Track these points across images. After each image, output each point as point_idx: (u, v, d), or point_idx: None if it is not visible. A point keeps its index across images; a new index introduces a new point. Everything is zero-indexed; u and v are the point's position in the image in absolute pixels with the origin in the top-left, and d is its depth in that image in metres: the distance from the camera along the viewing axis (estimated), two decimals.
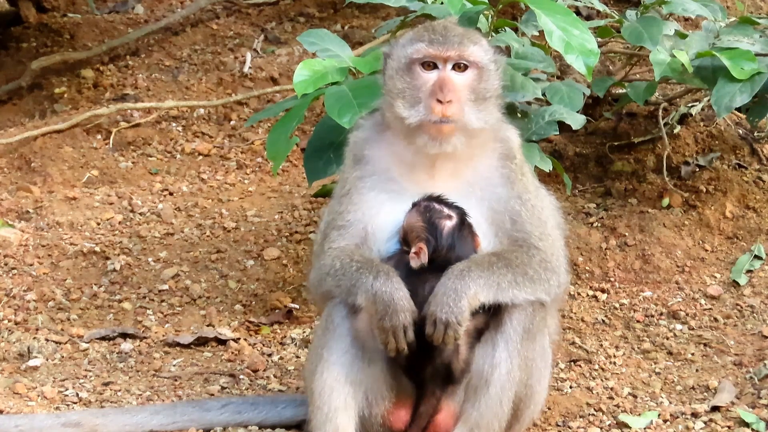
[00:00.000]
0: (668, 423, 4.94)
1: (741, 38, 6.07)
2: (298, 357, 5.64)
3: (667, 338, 5.77)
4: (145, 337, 5.83)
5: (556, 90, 5.80)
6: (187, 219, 6.86)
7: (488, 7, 5.51)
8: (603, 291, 6.13)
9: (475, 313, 4.30)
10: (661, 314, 5.96)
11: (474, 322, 4.32)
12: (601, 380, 5.37)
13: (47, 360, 5.59)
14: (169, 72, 8.41)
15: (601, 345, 5.70)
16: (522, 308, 4.35)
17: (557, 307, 4.79)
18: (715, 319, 5.90)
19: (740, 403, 5.05)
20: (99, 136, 7.76)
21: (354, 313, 4.37)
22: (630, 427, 4.92)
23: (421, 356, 4.32)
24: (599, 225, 6.43)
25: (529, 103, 5.76)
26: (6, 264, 6.37)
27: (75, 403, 5.14)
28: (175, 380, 5.40)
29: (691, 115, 6.89)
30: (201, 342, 5.79)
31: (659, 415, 4.99)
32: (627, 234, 6.35)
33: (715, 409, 5.01)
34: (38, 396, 5.15)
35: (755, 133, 6.89)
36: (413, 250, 4.37)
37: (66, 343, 5.74)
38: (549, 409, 5.00)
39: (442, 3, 5.56)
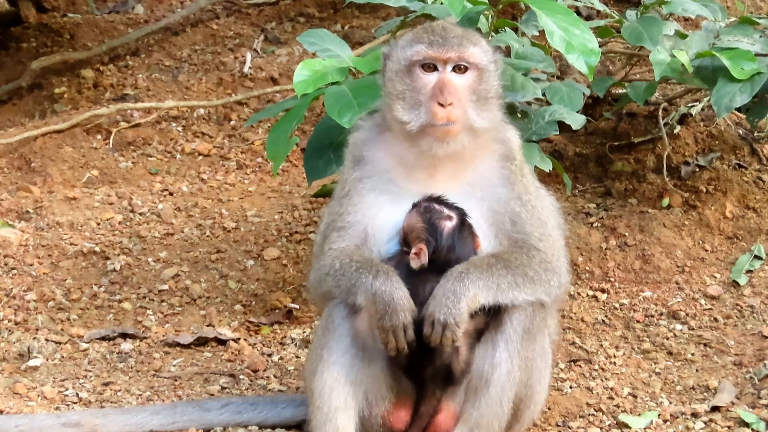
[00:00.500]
0: (668, 423, 4.94)
1: (741, 38, 6.07)
2: (298, 357, 5.64)
3: (667, 338, 5.77)
4: (145, 337, 5.83)
5: (556, 90, 5.80)
6: (187, 219, 6.86)
7: (488, 8, 5.51)
8: (603, 291, 6.13)
9: (475, 313, 4.30)
10: (661, 314, 5.96)
11: (474, 322, 4.32)
12: (601, 380, 5.37)
13: (47, 360, 5.59)
14: (169, 72, 8.41)
15: (601, 345, 5.70)
16: (522, 309, 4.35)
17: (557, 308, 4.79)
18: (715, 319, 5.91)
19: (740, 403, 5.05)
20: (99, 136, 7.76)
21: (354, 313, 4.37)
22: (630, 427, 4.92)
23: (422, 357, 4.32)
24: (599, 225, 6.43)
25: (529, 103, 5.76)
26: (6, 264, 6.37)
27: (75, 403, 5.14)
28: (175, 380, 5.40)
29: (691, 115, 6.89)
30: (201, 342, 5.79)
31: (659, 415, 4.99)
32: (627, 234, 6.35)
33: (715, 409, 5.01)
34: (38, 396, 5.15)
35: (755, 133, 6.89)
36: (413, 250, 4.37)
37: (66, 343, 5.74)
38: (549, 409, 5.00)
39: (442, 3, 5.55)
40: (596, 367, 5.49)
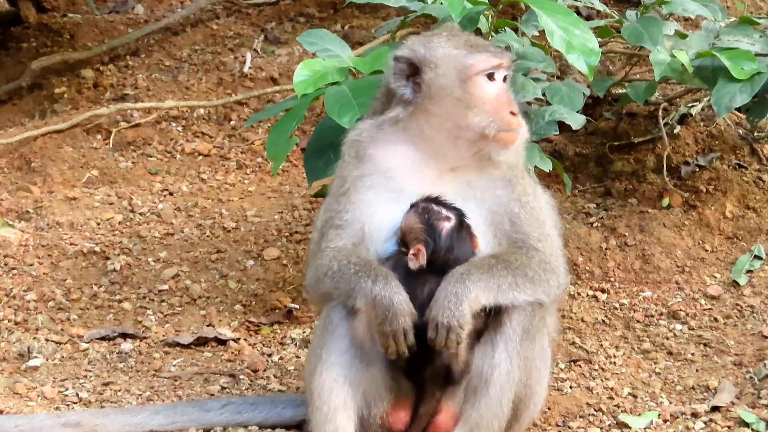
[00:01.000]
0: (668, 423, 4.94)
1: (741, 38, 6.07)
2: (298, 357, 5.64)
3: (667, 338, 5.77)
4: (145, 337, 5.83)
5: (556, 90, 5.80)
6: (187, 219, 6.86)
7: (488, 8, 5.51)
8: (603, 291, 6.13)
9: (475, 314, 4.30)
10: (661, 314, 5.96)
11: (473, 322, 4.32)
12: (601, 380, 5.36)
13: (47, 360, 5.59)
14: (169, 72, 8.41)
15: (601, 345, 5.70)
16: (521, 308, 4.34)
17: (556, 306, 4.78)
18: (715, 319, 5.90)
19: (740, 403, 5.05)
20: (99, 136, 7.76)
21: (353, 313, 4.37)
22: (630, 427, 4.92)
23: (421, 357, 4.32)
24: (599, 225, 6.43)
25: (529, 103, 5.75)
26: (6, 264, 6.37)
27: (75, 403, 5.14)
28: (175, 380, 5.40)
29: (691, 115, 6.89)
30: (201, 342, 5.79)
31: (659, 415, 4.99)
32: (627, 234, 6.35)
33: (715, 409, 5.01)
34: (38, 396, 5.15)
35: (755, 133, 6.88)
36: (411, 251, 4.36)
37: (66, 343, 5.74)
38: (549, 409, 5.00)
39: (441, 3, 5.55)
40: (596, 367, 5.49)
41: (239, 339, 5.82)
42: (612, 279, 6.20)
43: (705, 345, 5.71)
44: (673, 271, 6.23)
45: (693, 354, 5.63)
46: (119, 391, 5.27)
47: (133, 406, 5.11)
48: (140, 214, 6.91)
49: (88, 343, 5.76)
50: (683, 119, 6.90)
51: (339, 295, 4.36)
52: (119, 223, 6.80)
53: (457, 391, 4.40)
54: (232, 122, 7.92)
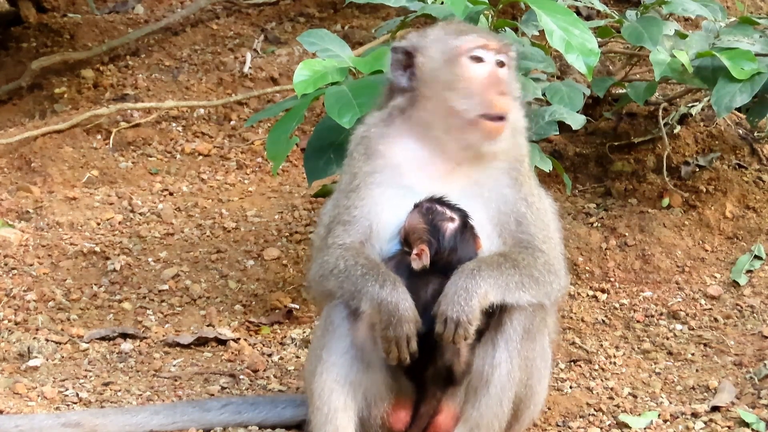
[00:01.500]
0: (668, 423, 4.94)
1: (741, 38, 6.07)
2: (298, 357, 5.64)
3: (667, 338, 5.77)
4: (145, 337, 5.83)
5: (556, 90, 5.80)
6: (187, 219, 6.86)
7: (488, 7, 5.51)
8: (603, 291, 6.13)
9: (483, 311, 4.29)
10: (661, 314, 5.96)
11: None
12: (601, 380, 5.37)
13: (47, 360, 5.59)
14: (169, 72, 8.41)
15: (601, 345, 5.70)
16: (522, 309, 4.34)
17: (556, 307, 4.78)
18: (715, 319, 5.91)
19: (740, 403, 5.05)
20: (99, 136, 7.76)
21: (354, 314, 4.36)
22: (630, 427, 4.92)
23: (423, 358, 4.31)
24: (599, 225, 6.43)
25: (529, 103, 5.75)
26: (6, 264, 6.37)
27: (75, 403, 5.14)
28: (175, 380, 5.40)
29: (691, 115, 6.89)
30: (201, 342, 5.79)
31: (659, 415, 4.99)
32: (627, 234, 6.35)
33: (715, 409, 5.01)
34: (38, 396, 5.15)
35: (755, 133, 6.89)
36: (415, 251, 4.36)
37: (66, 343, 5.74)
38: (549, 409, 5.00)
39: (442, 3, 5.55)
40: (596, 367, 5.49)
41: (239, 339, 5.82)
42: (612, 279, 6.20)
43: (705, 345, 5.71)
44: (673, 271, 6.23)
45: (693, 354, 5.63)
46: (119, 391, 5.27)
47: (133, 406, 5.11)
48: (140, 214, 6.91)
49: (88, 343, 5.76)
50: (683, 119, 6.91)
51: (343, 294, 4.35)
52: (119, 223, 6.80)
53: (458, 391, 4.40)
54: (232, 122, 7.92)
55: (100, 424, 4.80)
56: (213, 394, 5.24)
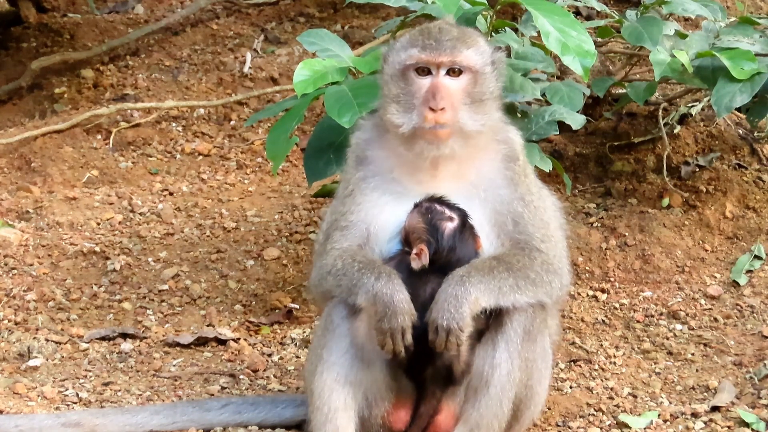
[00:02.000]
0: (668, 423, 4.94)
1: (741, 38, 6.07)
2: (298, 357, 5.64)
3: (667, 338, 5.77)
4: (145, 337, 5.83)
5: (556, 90, 5.80)
6: (187, 219, 6.86)
7: (487, 8, 5.51)
8: (603, 291, 6.13)
9: (476, 315, 4.29)
10: (661, 314, 5.96)
11: (474, 323, 4.31)
12: (601, 380, 5.37)
13: (47, 360, 5.59)
14: (169, 72, 8.41)
15: (601, 345, 5.70)
16: (522, 310, 4.34)
17: (558, 308, 4.78)
18: (715, 319, 5.91)
19: (740, 403, 5.05)
20: (99, 136, 7.76)
21: (354, 313, 4.37)
22: (630, 427, 4.91)
23: (422, 357, 4.32)
24: (599, 225, 6.43)
25: (529, 103, 5.76)
26: (6, 264, 6.37)
27: (75, 403, 5.14)
28: (175, 380, 5.40)
29: (691, 115, 6.89)
30: (201, 342, 5.79)
31: (659, 415, 4.99)
32: (627, 234, 6.35)
33: (715, 409, 5.01)
34: (38, 396, 5.15)
35: (755, 133, 6.89)
36: (414, 251, 4.36)
37: (66, 343, 5.74)
38: (549, 409, 5.00)
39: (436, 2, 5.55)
40: (596, 367, 5.49)
41: (239, 339, 5.82)
42: (612, 279, 6.20)
43: (705, 345, 5.71)
44: (673, 271, 6.23)
45: (693, 354, 5.63)
46: (119, 391, 5.27)
47: (133, 406, 5.11)
48: (140, 214, 6.91)
49: (88, 343, 5.76)
50: (683, 119, 6.91)
51: (341, 291, 4.36)
52: (119, 223, 6.80)
53: (458, 391, 4.40)
54: (232, 122, 7.92)
55: (100, 424, 4.80)
56: (213, 394, 5.24)
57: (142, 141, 7.75)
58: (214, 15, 9.05)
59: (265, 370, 5.50)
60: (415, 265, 4.36)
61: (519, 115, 5.59)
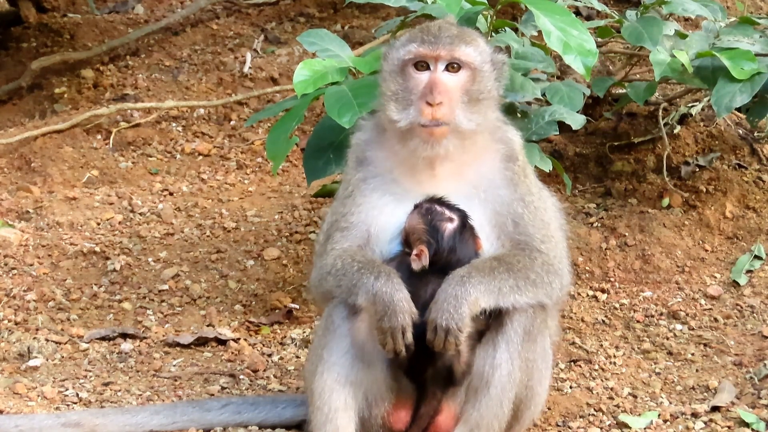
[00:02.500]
0: (668, 423, 4.94)
1: (741, 38, 6.07)
2: (298, 357, 5.64)
3: (667, 338, 5.77)
4: (145, 337, 5.83)
5: (556, 90, 5.80)
6: (187, 219, 6.86)
7: (487, 8, 5.51)
8: (603, 291, 6.13)
9: (476, 316, 4.29)
10: (661, 314, 5.96)
11: (475, 324, 4.32)
12: (601, 380, 5.37)
13: (47, 360, 5.59)
14: (169, 72, 8.41)
15: (601, 345, 5.70)
16: (523, 310, 4.34)
17: (558, 309, 4.78)
18: (715, 319, 5.91)
19: (740, 403, 5.05)
20: (99, 136, 7.76)
21: (354, 313, 4.37)
22: (630, 427, 4.92)
23: (422, 358, 4.32)
24: (599, 225, 6.43)
25: (529, 103, 5.75)
26: (6, 264, 6.37)
27: (75, 403, 5.14)
28: (175, 380, 5.40)
29: (691, 115, 6.89)
30: (201, 342, 5.79)
31: (659, 415, 4.99)
32: (627, 234, 6.35)
33: (715, 409, 5.01)
34: (38, 396, 5.15)
35: (755, 133, 6.89)
36: (414, 252, 4.36)
37: (66, 343, 5.74)
38: (549, 409, 5.00)
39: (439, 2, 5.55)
40: (596, 367, 5.49)
41: (239, 339, 5.82)
42: (612, 279, 6.20)
43: (705, 345, 5.71)
44: (673, 271, 6.23)
45: (693, 354, 5.63)
46: (119, 391, 5.27)
47: (133, 406, 5.11)
48: (140, 214, 6.91)
49: (88, 343, 5.76)
50: (683, 119, 6.91)
51: (341, 292, 4.36)
52: (119, 223, 6.80)
53: (458, 391, 4.40)
54: (232, 122, 7.92)
55: (100, 424, 4.80)
56: (213, 394, 5.25)
57: (142, 141, 7.75)
58: (214, 15, 9.05)
59: (265, 370, 5.50)
60: (415, 266, 4.36)
61: (519, 115, 5.59)
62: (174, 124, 7.89)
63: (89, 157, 7.58)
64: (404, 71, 4.41)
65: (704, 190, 6.59)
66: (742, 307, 5.98)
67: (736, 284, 6.14)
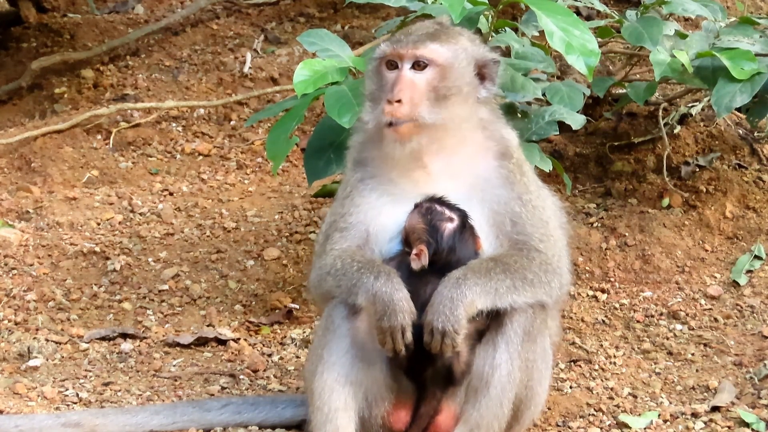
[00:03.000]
0: (668, 423, 4.94)
1: (741, 38, 6.07)
2: (298, 357, 5.64)
3: (667, 338, 5.77)
4: (145, 337, 5.83)
5: (556, 90, 5.80)
6: (187, 219, 6.86)
7: (488, 8, 5.51)
8: (603, 291, 6.13)
9: (475, 316, 4.29)
10: (661, 314, 5.96)
11: (474, 324, 4.32)
12: (601, 380, 5.37)
13: (47, 360, 5.59)
14: (169, 72, 8.41)
15: (601, 345, 5.70)
16: (523, 310, 4.34)
17: (559, 308, 4.78)
18: (715, 319, 5.91)
19: (740, 403, 5.05)
20: (99, 136, 7.76)
21: (354, 313, 4.37)
22: (630, 427, 4.92)
23: (422, 358, 4.32)
24: (599, 225, 6.43)
25: (529, 103, 5.76)
26: (6, 264, 6.37)
27: (75, 403, 5.14)
28: (175, 380, 5.40)
29: (691, 115, 6.89)
30: (201, 342, 5.79)
31: (659, 415, 4.99)
32: (627, 234, 6.35)
33: (715, 409, 5.01)
34: (38, 396, 5.15)
35: (755, 133, 6.89)
36: (414, 251, 4.36)
37: (66, 343, 5.75)
38: (549, 409, 5.00)
39: (441, 3, 5.55)
40: (596, 367, 5.49)
41: (239, 339, 5.82)
42: (612, 279, 6.20)
43: (705, 345, 5.71)
44: (673, 271, 6.23)
45: (693, 354, 5.63)
46: (119, 391, 5.27)
47: (133, 406, 5.11)
48: (140, 214, 6.91)
49: (88, 343, 5.77)
50: (683, 119, 6.90)
51: (341, 292, 4.36)
52: (119, 223, 6.80)
53: (458, 391, 4.40)
54: (232, 122, 7.92)
55: (100, 424, 4.80)
56: (213, 394, 5.25)
57: (142, 141, 7.75)
58: (214, 15, 9.05)
59: (265, 370, 5.50)
60: (415, 265, 4.36)
61: (519, 115, 5.59)
62: (174, 124, 7.89)
63: (89, 157, 7.58)
64: (378, 71, 4.44)
65: (704, 190, 6.59)
66: (742, 307, 5.98)
67: (736, 284, 6.14)
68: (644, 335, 5.80)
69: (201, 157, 7.65)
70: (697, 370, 5.49)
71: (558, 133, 5.62)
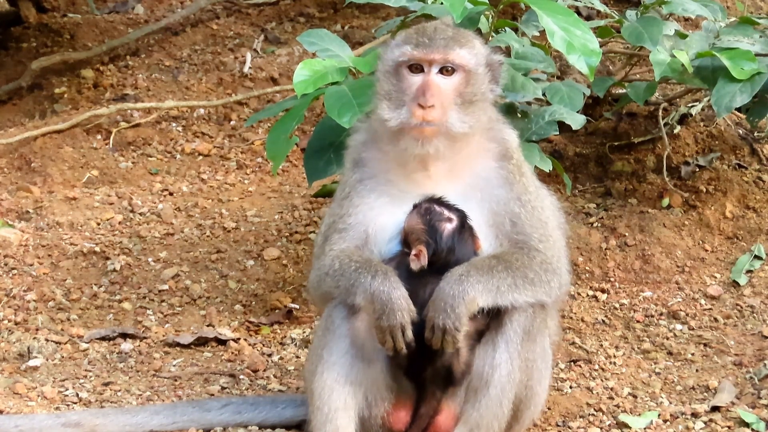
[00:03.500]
0: (668, 423, 4.94)
1: (741, 38, 6.07)
2: (298, 357, 5.65)
3: (667, 338, 5.77)
4: (145, 337, 5.83)
5: (556, 90, 5.80)
6: (187, 219, 6.86)
7: (489, 8, 5.51)
8: (603, 291, 6.13)
9: (475, 315, 4.29)
10: (661, 314, 5.96)
11: (474, 323, 4.32)
12: (601, 380, 5.37)
13: (47, 360, 5.59)
14: (169, 72, 8.41)
15: (601, 345, 5.70)
16: (522, 310, 4.34)
17: (558, 308, 4.78)
18: (715, 319, 5.91)
19: (740, 403, 5.05)
20: (99, 136, 7.76)
21: (353, 313, 4.37)
22: (630, 427, 4.92)
23: (422, 357, 4.32)
24: (599, 225, 6.43)
25: (529, 103, 5.75)
26: (6, 264, 6.37)
27: (75, 403, 5.14)
28: (175, 380, 5.40)
29: (691, 115, 6.89)
30: (201, 342, 5.79)
31: (659, 415, 4.99)
32: (627, 234, 6.35)
33: (715, 409, 5.01)
34: (38, 396, 5.15)
35: (755, 133, 6.89)
36: (413, 252, 4.36)
37: (66, 343, 5.75)
38: (549, 409, 5.00)
39: (442, 3, 5.55)
40: (596, 367, 5.49)
41: (239, 339, 5.82)
42: (612, 279, 6.20)
43: (705, 345, 5.72)
44: (673, 271, 6.23)
45: (693, 354, 5.63)
46: (119, 391, 5.27)
47: (133, 406, 5.11)
48: (140, 214, 6.91)
49: (88, 343, 5.77)
50: (683, 119, 6.91)
51: (340, 293, 4.37)
52: (119, 223, 6.80)
53: (458, 391, 4.40)
54: (232, 122, 7.92)
55: (100, 424, 4.80)
56: (213, 394, 5.25)
57: (142, 141, 7.75)
58: (214, 15, 9.05)
59: (265, 370, 5.50)
60: (414, 266, 4.36)
61: (519, 115, 5.59)
62: (174, 124, 7.89)
63: (89, 157, 7.58)
64: (398, 72, 4.42)
65: (704, 190, 6.59)
66: (742, 307, 5.98)
67: (736, 284, 6.14)
68: (644, 335, 5.80)
69: (201, 157, 7.65)
70: (697, 370, 5.49)
71: (558, 133, 5.62)
